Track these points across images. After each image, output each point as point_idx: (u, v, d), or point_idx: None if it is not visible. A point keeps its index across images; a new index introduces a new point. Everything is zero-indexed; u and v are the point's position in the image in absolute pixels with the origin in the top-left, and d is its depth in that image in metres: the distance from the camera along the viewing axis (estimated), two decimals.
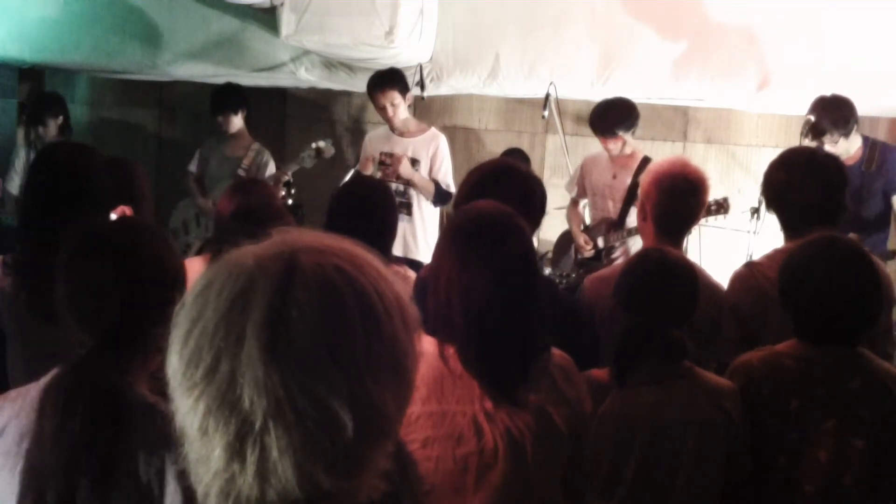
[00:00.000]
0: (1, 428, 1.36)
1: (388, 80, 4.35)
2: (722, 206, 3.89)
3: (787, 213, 2.53)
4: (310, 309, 0.77)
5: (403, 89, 4.39)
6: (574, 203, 4.58)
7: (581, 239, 4.39)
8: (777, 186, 2.55)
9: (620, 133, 4.16)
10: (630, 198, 4.25)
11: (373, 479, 0.83)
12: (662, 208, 2.55)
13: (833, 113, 3.67)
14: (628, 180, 4.26)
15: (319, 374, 0.77)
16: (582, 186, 4.47)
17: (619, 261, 4.34)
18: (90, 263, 1.46)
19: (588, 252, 4.37)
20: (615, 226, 4.32)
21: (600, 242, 4.36)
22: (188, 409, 0.79)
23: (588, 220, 4.59)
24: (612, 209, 4.34)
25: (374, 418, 0.80)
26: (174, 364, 0.81)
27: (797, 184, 2.47)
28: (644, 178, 2.64)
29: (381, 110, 4.41)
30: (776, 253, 2.51)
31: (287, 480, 0.77)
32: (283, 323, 0.77)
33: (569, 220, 4.58)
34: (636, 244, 4.35)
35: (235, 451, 0.77)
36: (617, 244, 4.32)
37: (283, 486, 0.77)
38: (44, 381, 1.39)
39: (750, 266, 2.56)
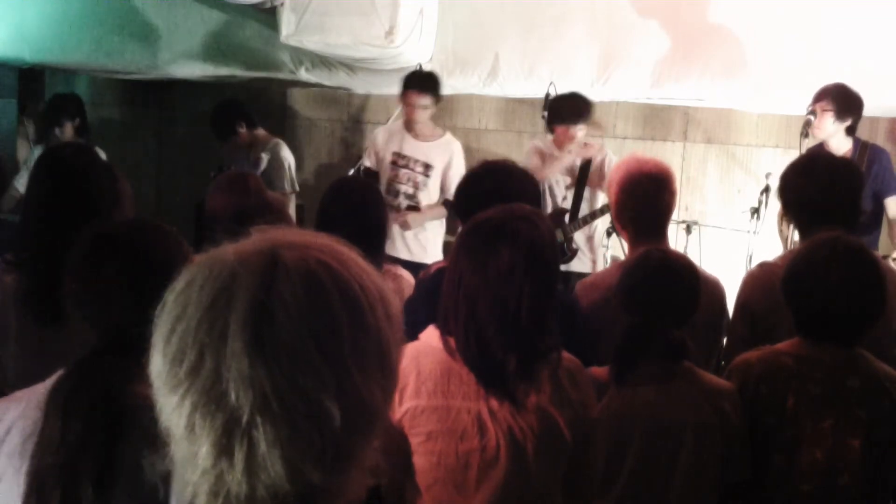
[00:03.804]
0: (6, 429, 1.36)
1: (428, 83, 4.36)
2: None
3: (803, 216, 2.55)
4: (294, 302, 0.77)
5: (437, 97, 4.40)
6: None
7: None
8: (793, 189, 2.56)
9: (584, 123, 4.26)
10: (581, 185, 4.30)
11: (361, 475, 0.83)
12: (635, 213, 2.52)
13: (848, 92, 3.78)
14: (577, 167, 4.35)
15: (306, 366, 0.77)
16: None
17: (587, 256, 4.39)
18: (102, 263, 1.46)
19: None
20: (572, 216, 4.35)
21: (558, 235, 4.35)
22: (173, 408, 0.78)
23: None
24: (567, 198, 4.39)
25: (361, 411, 0.80)
26: (157, 364, 0.80)
27: (814, 187, 2.48)
28: (610, 189, 2.63)
29: (409, 108, 4.37)
30: (788, 254, 2.53)
31: (276, 475, 0.76)
32: (267, 316, 0.76)
33: None
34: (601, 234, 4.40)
35: (223, 448, 0.76)
36: (573, 234, 4.34)
37: (273, 482, 0.76)
38: (49, 382, 1.38)
39: (763, 266, 2.57)
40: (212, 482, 0.78)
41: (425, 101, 4.34)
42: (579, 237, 4.44)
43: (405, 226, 4.42)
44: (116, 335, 1.42)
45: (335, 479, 0.80)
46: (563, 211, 4.36)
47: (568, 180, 4.43)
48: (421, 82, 4.36)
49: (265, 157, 4.58)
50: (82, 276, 1.47)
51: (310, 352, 0.77)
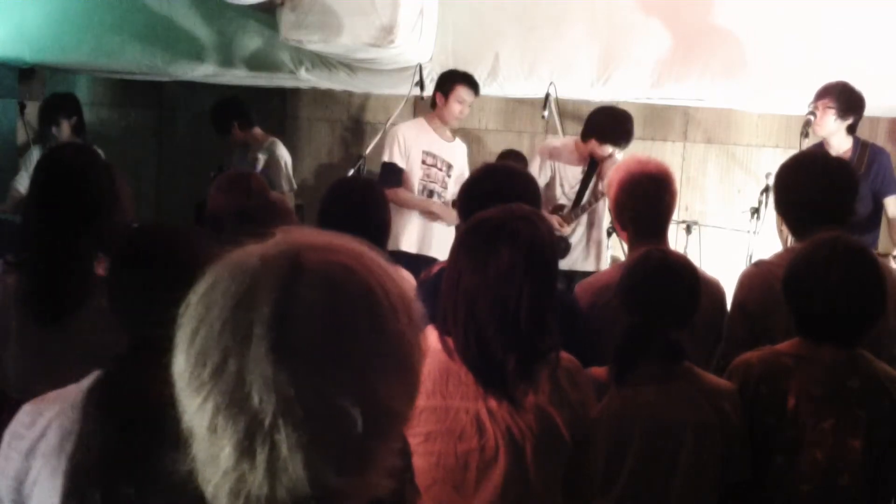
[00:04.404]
0: (42, 429, 1.34)
1: (475, 81, 4.40)
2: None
3: (797, 215, 2.55)
4: (315, 307, 0.78)
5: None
6: None
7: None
8: (788, 188, 2.56)
9: None
10: (586, 181, 4.30)
11: (380, 476, 0.84)
12: (635, 213, 2.52)
13: (851, 91, 3.77)
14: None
15: (327, 371, 0.77)
16: (548, 175, 4.45)
17: (592, 256, 4.39)
18: (140, 267, 1.47)
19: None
20: (572, 209, 4.37)
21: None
22: (196, 409, 0.79)
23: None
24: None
25: (381, 415, 0.80)
26: (180, 364, 0.81)
27: (808, 186, 2.48)
28: (610, 190, 2.63)
29: (458, 105, 4.37)
30: (784, 252, 2.53)
31: (298, 478, 0.76)
32: (289, 321, 0.76)
33: None
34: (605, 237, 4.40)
35: (245, 450, 0.76)
36: (570, 230, 4.36)
37: (294, 484, 0.77)
38: (85, 382, 1.38)
39: (759, 265, 2.57)
40: (233, 482, 0.78)
41: (472, 98, 4.40)
42: (584, 239, 4.43)
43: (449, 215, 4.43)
44: (151, 336, 1.42)
45: (355, 482, 0.80)
46: (561, 207, 4.36)
47: (579, 177, 4.42)
48: (471, 79, 4.39)
49: (262, 158, 4.57)
50: (120, 279, 1.48)
51: (331, 356, 0.77)
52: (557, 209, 4.37)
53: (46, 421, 1.35)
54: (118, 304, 1.48)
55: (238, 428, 0.76)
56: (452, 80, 4.37)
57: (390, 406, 0.81)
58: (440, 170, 4.48)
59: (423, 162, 4.44)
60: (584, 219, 4.37)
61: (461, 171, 4.53)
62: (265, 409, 0.75)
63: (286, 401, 0.75)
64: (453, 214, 4.40)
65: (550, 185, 4.38)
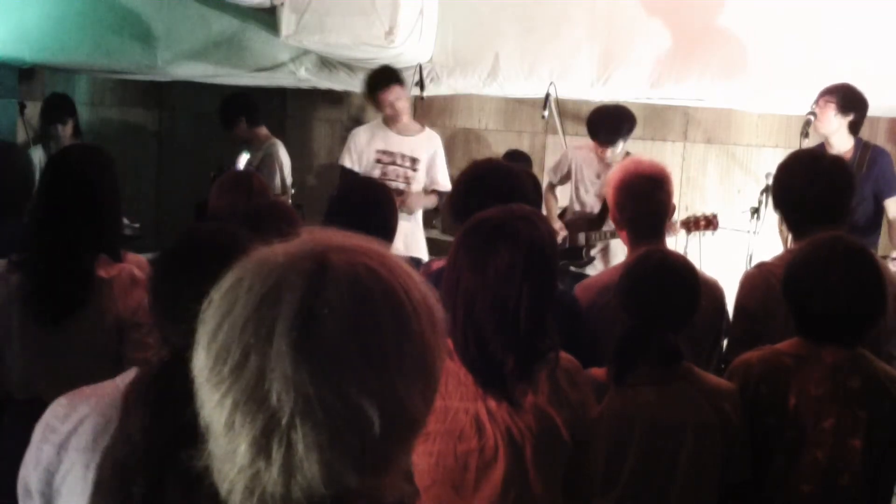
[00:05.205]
0: (76, 423, 1.34)
1: (393, 77, 4.36)
2: (710, 223, 3.95)
3: (794, 215, 2.55)
4: (340, 307, 0.78)
5: (404, 86, 4.42)
6: (551, 187, 4.60)
7: (556, 225, 4.38)
8: (786, 188, 2.56)
9: (622, 141, 4.20)
10: (604, 209, 4.31)
11: (397, 478, 0.84)
12: (633, 213, 2.54)
13: (852, 89, 3.79)
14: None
15: (349, 371, 0.77)
16: (567, 175, 4.48)
17: (599, 260, 4.41)
18: (188, 266, 1.46)
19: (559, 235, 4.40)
20: (595, 224, 4.36)
21: (581, 239, 4.39)
22: (215, 404, 0.79)
23: (560, 203, 4.67)
24: (596, 205, 4.40)
25: (401, 417, 0.81)
26: (201, 359, 0.81)
27: (805, 185, 2.49)
28: (606, 192, 2.64)
29: (389, 107, 4.37)
30: (785, 253, 2.53)
31: (313, 477, 0.76)
32: (313, 320, 0.77)
33: (546, 203, 4.54)
34: (617, 246, 4.40)
35: (261, 447, 0.77)
36: (596, 243, 4.36)
37: (309, 483, 0.77)
38: (121, 379, 1.37)
39: (760, 267, 2.57)
40: (248, 479, 0.78)
41: (400, 91, 4.37)
42: (600, 250, 4.44)
43: (408, 207, 4.41)
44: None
45: (372, 484, 0.81)
46: (592, 218, 4.38)
47: (599, 187, 4.41)
48: (396, 76, 4.37)
49: (244, 158, 4.57)
50: (166, 278, 1.47)
51: (354, 357, 0.77)
52: (589, 219, 4.37)
53: (81, 415, 1.35)
54: (165, 300, 1.47)
55: (255, 425, 0.76)
56: (373, 89, 4.38)
57: (409, 409, 0.81)
58: (400, 165, 4.47)
59: (379, 161, 4.45)
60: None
61: (432, 161, 4.53)
62: (283, 408, 0.76)
63: (305, 400, 0.75)
64: (421, 200, 4.46)
65: (574, 186, 4.43)
